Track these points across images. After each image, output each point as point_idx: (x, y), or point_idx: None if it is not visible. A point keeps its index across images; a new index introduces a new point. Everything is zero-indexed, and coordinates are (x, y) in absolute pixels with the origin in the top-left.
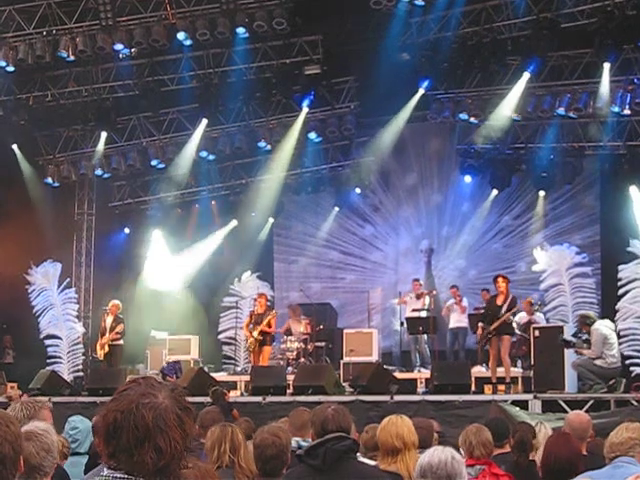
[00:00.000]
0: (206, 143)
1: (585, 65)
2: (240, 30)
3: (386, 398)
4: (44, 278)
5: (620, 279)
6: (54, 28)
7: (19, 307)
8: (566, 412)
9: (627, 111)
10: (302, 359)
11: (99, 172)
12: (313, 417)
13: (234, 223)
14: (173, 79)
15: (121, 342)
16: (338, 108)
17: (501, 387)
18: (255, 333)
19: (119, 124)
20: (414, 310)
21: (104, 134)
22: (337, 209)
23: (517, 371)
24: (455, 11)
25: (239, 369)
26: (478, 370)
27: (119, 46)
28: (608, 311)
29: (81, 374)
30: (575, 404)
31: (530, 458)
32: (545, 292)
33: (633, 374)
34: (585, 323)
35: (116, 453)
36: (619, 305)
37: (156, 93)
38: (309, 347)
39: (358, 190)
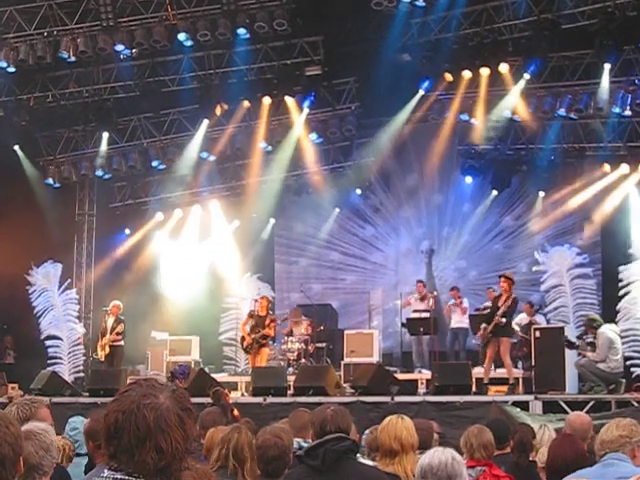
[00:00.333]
0: (206, 144)
1: (586, 66)
2: (241, 31)
3: (387, 399)
4: (45, 279)
5: (621, 280)
6: (55, 29)
7: (20, 308)
8: (567, 413)
9: (628, 112)
10: (303, 360)
11: (100, 173)
12: (312, 418)
13: (235, 224)
14: (174, 80)
15: (122, 343)
16: (339, 109)
17: (503, 388)
18: (256, 336)
19: (120, 125)
20: (416, 311)
21: (106, 135)
22: (338, 210)
23: (518, 372)
24: (456, 12)
25: (240, 370)
26: (479, 371)
27: (120, 47)
28: (609, 312)
29: (82, 375)
30: (576, 405)
31: (530, 459)
32: (546, 293)
33: (633, 375)
34: (591, 326)
35: (117, 453)
36: (620, 306)
37: (157, 94)
38: (310, 348)
39: (359, 191)
